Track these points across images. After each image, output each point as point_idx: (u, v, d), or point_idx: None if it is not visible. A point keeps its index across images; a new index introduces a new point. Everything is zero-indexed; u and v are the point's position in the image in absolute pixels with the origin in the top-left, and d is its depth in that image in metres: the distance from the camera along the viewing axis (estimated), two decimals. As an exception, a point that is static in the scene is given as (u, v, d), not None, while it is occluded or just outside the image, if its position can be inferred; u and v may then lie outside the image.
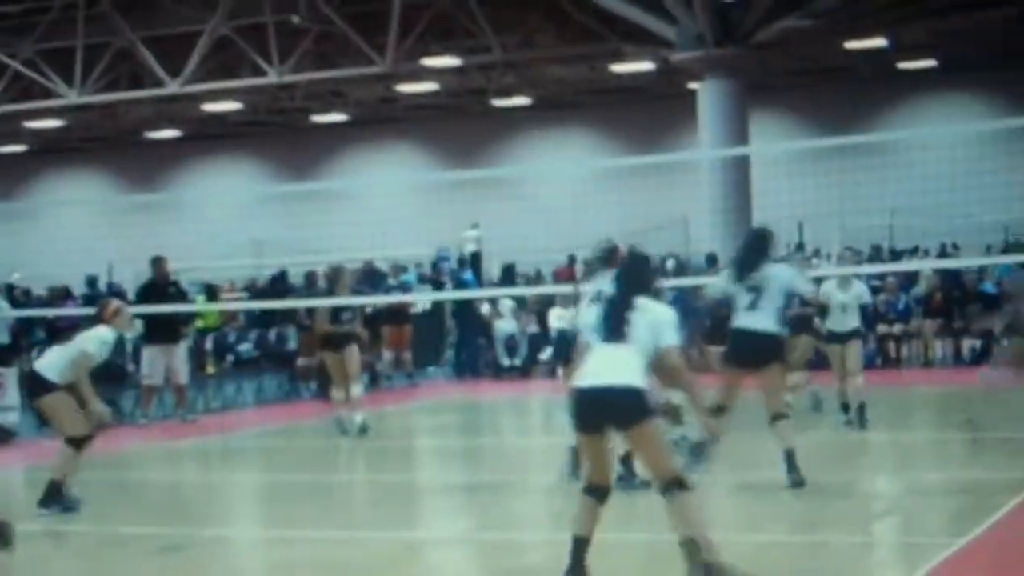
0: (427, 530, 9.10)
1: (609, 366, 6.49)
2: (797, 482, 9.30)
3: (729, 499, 9.75)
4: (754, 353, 9.58)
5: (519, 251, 25.37)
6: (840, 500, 9.40)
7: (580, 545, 6.46)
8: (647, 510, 9.60)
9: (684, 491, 6.39)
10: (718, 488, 10.26)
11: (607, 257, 8.93)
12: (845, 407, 12.99)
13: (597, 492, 6.53)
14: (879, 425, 13.23)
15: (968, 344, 20.05)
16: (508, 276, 24.67)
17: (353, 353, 13.85)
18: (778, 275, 9.79)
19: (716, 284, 11.09)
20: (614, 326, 6.64)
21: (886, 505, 9.37)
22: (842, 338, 13.01)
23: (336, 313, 13.97)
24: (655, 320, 6.67)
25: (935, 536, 7.95)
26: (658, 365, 6.66)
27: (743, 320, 9.68)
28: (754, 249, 9.91)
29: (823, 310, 13.06)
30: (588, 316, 6.95)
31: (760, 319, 9.60)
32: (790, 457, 9.38)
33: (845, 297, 12.90)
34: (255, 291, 24.56)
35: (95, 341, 9.89)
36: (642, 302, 6.74)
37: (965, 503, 8.85)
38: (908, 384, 18.59)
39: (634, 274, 6.97)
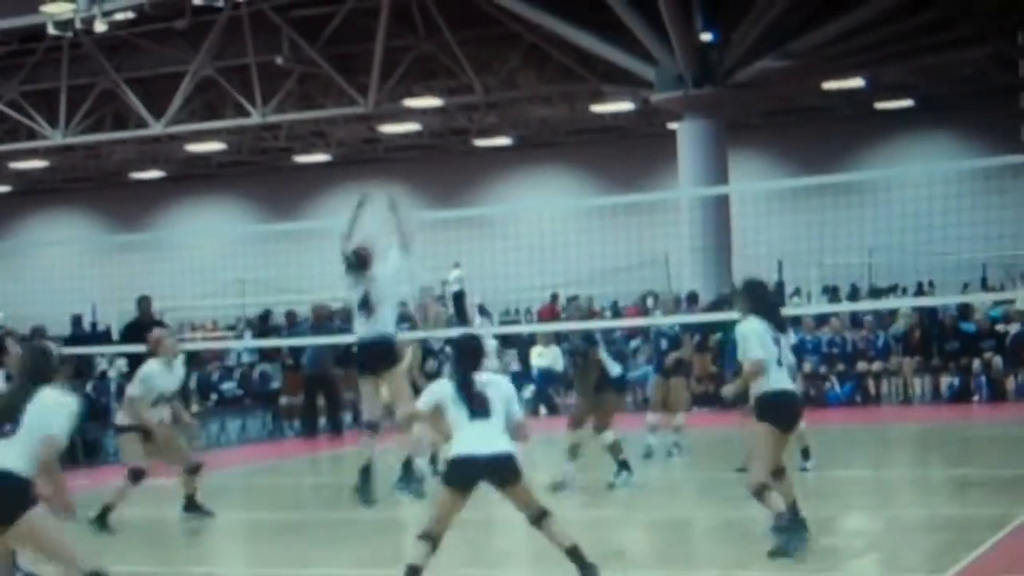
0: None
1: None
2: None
3: (714, 537, 9.84)
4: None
5: (501, 290, 25.49)
6: (822, 537, 9.48)
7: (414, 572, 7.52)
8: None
9: (550, 517, 7.59)
10: (703, 526, 10.36)
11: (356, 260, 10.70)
12: None
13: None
14: (859, 462, 13.33)
15: (947, 381, 20.21)
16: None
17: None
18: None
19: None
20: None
21: (867, 542, 9.45)
22: None
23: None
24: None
25: (915, 573, 8.04)
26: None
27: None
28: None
29: None
30: None
31: None
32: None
33: None
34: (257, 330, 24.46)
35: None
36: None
37: (946, 539, 8.92)
38: (887, 422, 18.71)
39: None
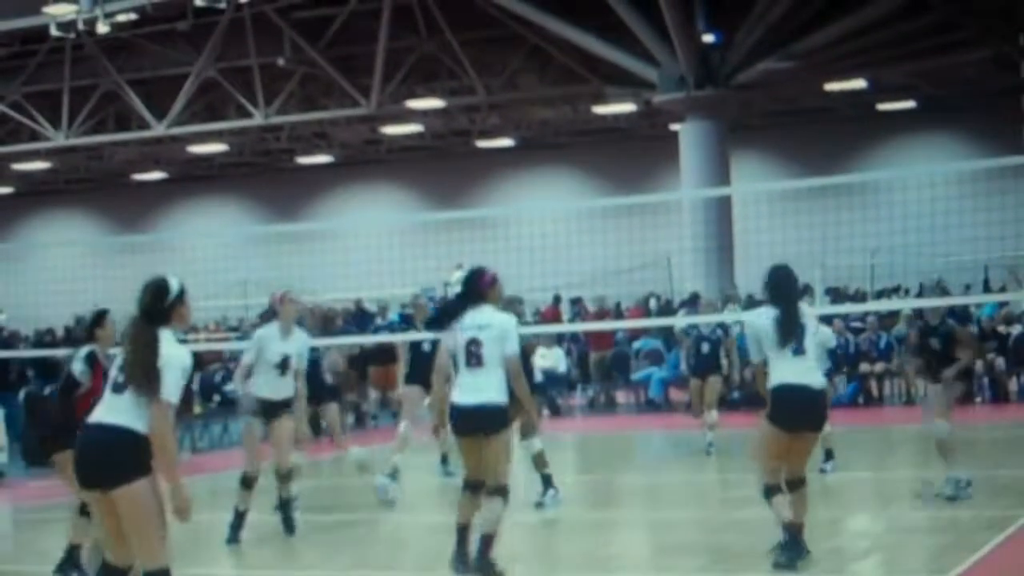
0: (410, 571, 9.16)
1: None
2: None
3: (713, 536, 9.85)
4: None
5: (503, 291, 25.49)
6: (823, 539, 9.49)
7: (463, 531, 7.87)
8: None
9: (500, 499, 7.69)
10: (703, 524, 10.37)
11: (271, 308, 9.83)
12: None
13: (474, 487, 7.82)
14: (861, 463, 13.34)
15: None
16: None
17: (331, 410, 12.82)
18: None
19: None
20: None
21: (869, 543, 9.46)
22: None
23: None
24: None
25: (918, 574, 8.05)
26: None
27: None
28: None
29: None
30: None
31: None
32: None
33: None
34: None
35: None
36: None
37: (947, 541, 8.93)
38: (890, 422, 18.72)
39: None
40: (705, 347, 14.79)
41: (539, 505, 10.94)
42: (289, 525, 10.29)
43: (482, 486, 7.77)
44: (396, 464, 13.12)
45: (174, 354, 5.87)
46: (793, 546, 7.94)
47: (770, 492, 8.01)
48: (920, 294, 25.98)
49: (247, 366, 10.01)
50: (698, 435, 14.56)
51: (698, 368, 14.82)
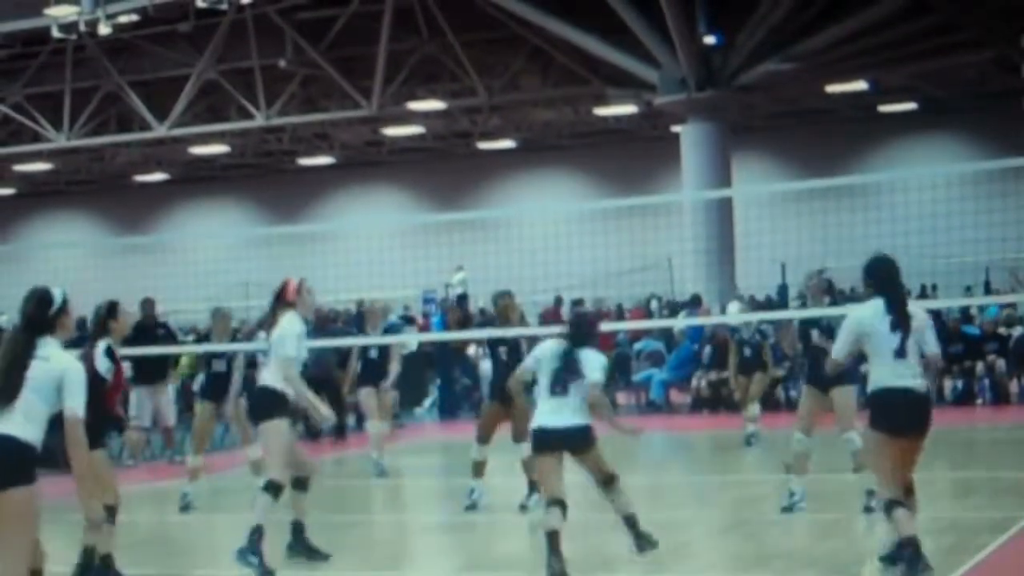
0: (412, 571, 9.16)
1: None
2: None
3: (720, 538, 9.85)
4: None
5: (505, 293, 25.46)
6: (827, 539, 9.50)
7: (554, 536, 8.11)
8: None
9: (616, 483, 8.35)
10: (709, 527, 10.37)
11: (278, 294, 9.34)
12: None
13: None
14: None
15: (950, 384, 20.21)
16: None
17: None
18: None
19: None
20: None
21: (870, 544, 9.46)
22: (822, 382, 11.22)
23: None
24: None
25: None
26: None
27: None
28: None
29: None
30: None
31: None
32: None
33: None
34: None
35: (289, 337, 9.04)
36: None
37: (949, 543, 8.91)
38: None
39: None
40: (747, 351, 15.63)
41: (523, 508, 10.97)
42: (306, 548, 9.28)
43: (565, 501, 8.14)
44: (383, 465, 13.20)
45: (71, 366, 5.87)
46: (915, 563, 7.50)
47: (892, 507, 7.59)
48: (923, 295, 25.99)
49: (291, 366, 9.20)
50: (699, 436, 14.57)
51: (743, 367, 15.60)
